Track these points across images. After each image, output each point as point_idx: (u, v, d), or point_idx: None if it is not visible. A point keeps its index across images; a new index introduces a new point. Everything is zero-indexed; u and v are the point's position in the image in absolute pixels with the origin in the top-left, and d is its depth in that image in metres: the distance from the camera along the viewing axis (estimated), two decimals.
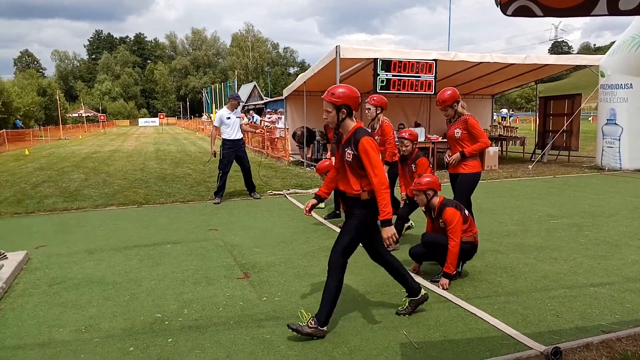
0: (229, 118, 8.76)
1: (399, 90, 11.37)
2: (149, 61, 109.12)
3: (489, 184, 10.71)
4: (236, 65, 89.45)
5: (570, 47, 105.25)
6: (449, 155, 5.35)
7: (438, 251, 4.52)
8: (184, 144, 26.70)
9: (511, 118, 36.15)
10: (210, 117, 39.47)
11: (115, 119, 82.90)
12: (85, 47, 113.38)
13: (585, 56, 14.44)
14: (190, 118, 73.98)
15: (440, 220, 4.51)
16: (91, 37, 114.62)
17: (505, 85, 17.07)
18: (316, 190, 9.61)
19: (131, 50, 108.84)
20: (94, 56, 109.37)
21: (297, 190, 9.86)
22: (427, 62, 11.45)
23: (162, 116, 57.83)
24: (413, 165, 5.59)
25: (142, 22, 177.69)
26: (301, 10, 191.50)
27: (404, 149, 5.63)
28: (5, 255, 5.21)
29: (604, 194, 9.19)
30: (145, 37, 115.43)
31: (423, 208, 4.98)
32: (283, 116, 17.84)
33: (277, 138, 17.46)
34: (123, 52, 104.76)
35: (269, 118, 21.95)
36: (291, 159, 15.33)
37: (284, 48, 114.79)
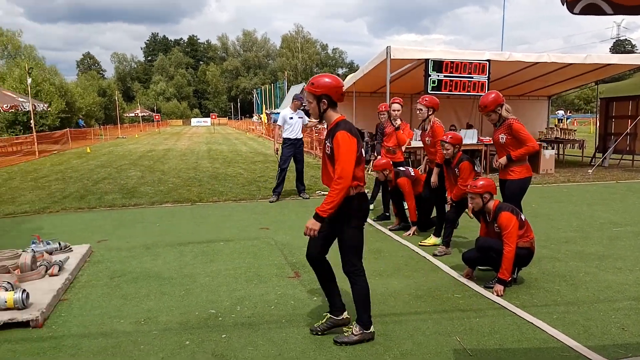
0: (291, 118, 8.97)
1: (450, 91, 11.17)
2: (201, 62, 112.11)
3: (545, 189, 10.32)
4: (286, 67, 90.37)
5: (633, 46, 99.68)
6: (496, 160, 5.19)
7: (492, 256, 4.40)
8: (235, 143, 27.26)
9: (568, 120, 34.71)
10: (261, 118, 40.13)
11: (169, 118, 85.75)
12: (142, 49, 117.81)
13: None
14: (241, 118, 75.47)
15: (495, 225, 4.39)
16: (148, 40, 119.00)
17: (563, 86, 16.41)
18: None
19: (185, 52, 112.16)
20: (149, 58, 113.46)
21: None
22: (480, 63, 11.19)
23: (214, 116, 59.39)
24: (456, 169, 5.47)
25: (196, 25, 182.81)
26: (350, 11, 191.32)
27: (444, 152, 5.52)
28: (70, 248, 5.51)
29: None
30: (198, 39, 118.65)
31: (470, 214, 4.88)
32: None
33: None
34: (177, 54, 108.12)
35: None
36: None
37: (333, 49, 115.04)
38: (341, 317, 3.62)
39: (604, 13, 2.37)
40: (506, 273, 4.26)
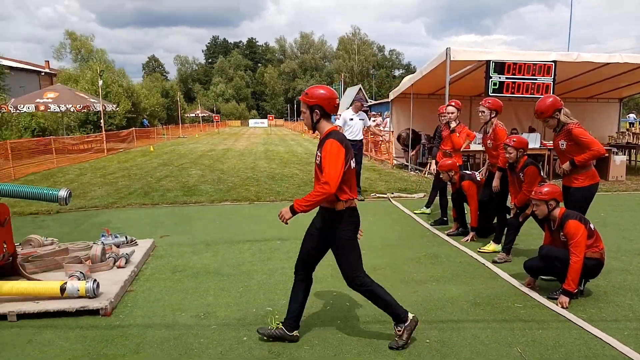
0: (351, 119, 9.04)
1: (512, 93, 10.79)
2: (259, 65, 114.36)
3: (615, 196, 9.76)
4: (342, 68, 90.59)
5: None
6: (559, 165, 4.93)
7: (557, 266, 4.21)
8: (291, 145, 27.60)
9: None
10: None
11: (228, 119, 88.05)
12: (203, 52, 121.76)
13: None
14: (297, 120, 76.31)
15: (562, 234, 4.20)
16: (208, 43, 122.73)
17: (636, 88, 15.44)
18: (420, 194, 9.51)
19: (244, 54, 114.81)
20: (210, 60, 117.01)
21: (402, 194, 9.75)
22: (545, 64, 10.73)
23: (271, 118, 60.32)
24: (521, 174, 5.26)
25: (255, 27, 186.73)
26: (408, 12, 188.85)
27: (507, 156, 5.32)
28: (136, 242, 5.78)
29: None
30: (257, 41, 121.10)
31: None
32: (388, 119, 17.75)
33: (381, 141, 17.42)
34: (236, 56, 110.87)
35: (374, 121, 21.96)
36: (395, 162, 15.21)
37: (390, 50, 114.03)
38: (291, 335, 3.55)
39: None
40: (572, 284, 4.07)
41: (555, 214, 4.30)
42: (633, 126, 26.14)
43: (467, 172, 6.59)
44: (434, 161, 7.55)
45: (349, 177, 3.33)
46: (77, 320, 3.91)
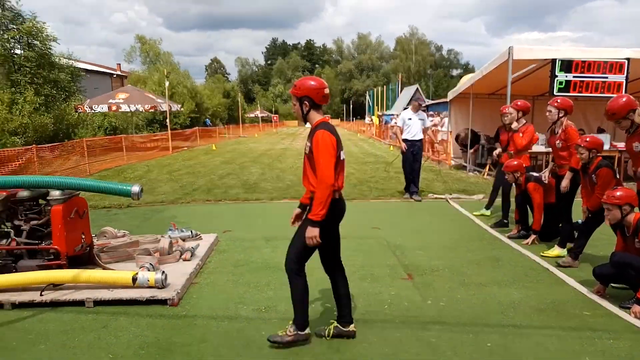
0: (410, 119, 9.01)
1: (580, 92, 10.28)
2: (317, 66, 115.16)
3: None
4: (399, 69, 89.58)
5: None
6: (632, 169, 4.64)
7: (631, 274, 4.00)
8: (346, 144, 27.64)
9: None
10: (372, 120, 40.26)
11: (285, 119, 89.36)
12: (262, 53, 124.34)
13: None
14: (353, 120, 76.27)
15: (637, 240, 3.99)
16: (268, 45, 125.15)
17: None
18: (479, 196, 9.28)
19: (302, 56, 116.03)
20: (269, 62, 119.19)
21: (460, 196, 9.55)
22: (617, 62, 10.15)
23: (327, 118, 60.53)
24: (593, 176, 5.00)
25: (313, 29, 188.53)
26: (468, 10, 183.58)
27: (579, 157, 5.08)
28: (200, 236, 6.02)
29: None
30: (315, 42, 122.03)
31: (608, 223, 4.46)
32: (446, 119, 17.42)
33: (439, 141, 17.11)
34: (294, 58, 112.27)
35: (431, 121, 21.59)
36: (453, 162, 14.91)
37: (448, 50, 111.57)
38: (348, 329, 3.56)
39: None
40: None
41: (630, 219, 4.09)
42: None
43: (534, 173, 6.36)
44: (497, 150, 7.32)
45: (338, 167, 3.28)
46: (147, 308, 4.14)
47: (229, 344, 3.53)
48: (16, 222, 4.61)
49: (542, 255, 5.55)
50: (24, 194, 4.59)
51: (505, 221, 7.02)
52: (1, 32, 19.19)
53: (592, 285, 4.45)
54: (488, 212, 7.77)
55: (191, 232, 5.98)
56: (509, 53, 10.37)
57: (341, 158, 3.34)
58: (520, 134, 6.73)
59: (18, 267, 4.50)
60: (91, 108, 21.20)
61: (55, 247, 4.47)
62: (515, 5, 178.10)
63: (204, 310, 4.11)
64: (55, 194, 4.55)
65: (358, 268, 5.15)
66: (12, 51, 19.60)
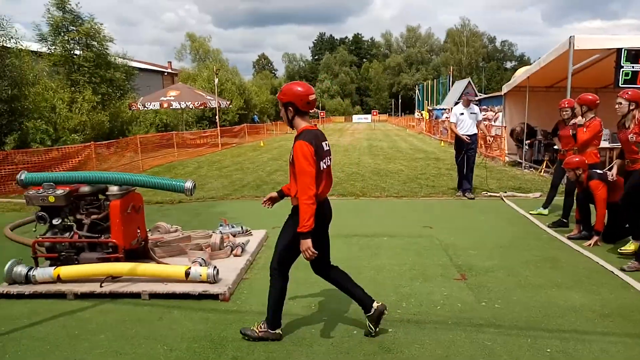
0: (462, 114, 8.80)
1: None
2: (364, 60, 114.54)
3: None
4: (449, 62, 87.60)
5: None
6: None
7: None
8: (395, 140, 27.34)
9: None
10: (422, 114, 39.62)
11: (332, 115, 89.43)
12: (309, 48, 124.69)
13: None
14: (401, 115, 75.38)
15: None
16: (315, 40, 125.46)
17: None
18: (536, 194, 8.92)
19: (349, 50, 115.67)
20: (316, 57, 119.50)
21: (516, 193, 9.21)
22: None
23: (375, 113, 60.32)
24: None
25: (360, 23, 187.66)
26: None
27: None
28: (250, 232, 6.09)
29: None
30: (362, 36, 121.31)
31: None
32: (500, 113, 16.86)
33: (493, 136, 16.59)
34: (342, 52, 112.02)
35: (484, 115, 20.97)
36: (507, 159, 14.41)
37: (502, 41, 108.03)
38: (373, 310, 3.50)
39: None
40: None
41: None
42: None
43: (598, 170, 6.01)
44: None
45: (317, 176, 3.24)
46: (199, 303, 4.23)
47: (279, 340, 3.54)
48: (78, 216, 4.81)
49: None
50: (85, 189, 4.78)
51: (564, 220, 6.71)
52: (62, 34, 20.13)
53: None
54: (546, 211, 7.45)
55: (241, 227, 6.06)
56: (569, 43, 9.89)
57: (322, 167, 3.31)
58: (585, 129, 6.38)
59: (80, 259, 4.70)
60: (144, 106, 21.92)
61: (114, 240, 4.64)
62: None
63: (255, 306, 4.14)
64: (113, 189, 4.72)
65: (409, 267, 5.06)
66: (72, 52, 20.53)
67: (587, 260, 5.26)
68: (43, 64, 18.86)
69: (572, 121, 6.56)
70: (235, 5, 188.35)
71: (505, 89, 14.83)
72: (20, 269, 4.50)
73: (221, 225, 6.01)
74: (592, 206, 5.98)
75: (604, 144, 10.86)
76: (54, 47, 20.15)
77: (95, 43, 20.83)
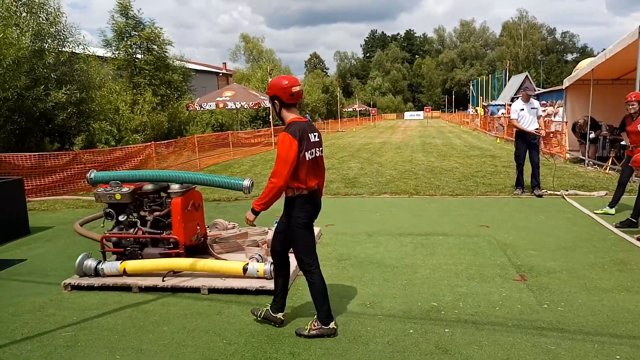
0: (522, 109, 8.55)
1: None
2: (417, 56, 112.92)
3: None
4: (505, 56, 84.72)
5: None
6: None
7: None
8: (448, 137, 26.78)
9: None
10: (476, 110, 38.55)
11: (383, 112, 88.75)
12: (361, 46, 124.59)
13: None
14: (455, 111, 73.70)
15: None
16: (367, 37, 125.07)
17: None
18: (601, 193, 8.48)
19: (401, 47, 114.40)
20: (368, 54, 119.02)
21: (578, 192, 8.80)
22: None
23: (428, 110, 59.29)
24: None
25: (412, 19, 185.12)
26: None
27: None
28: None
29: None
30: (415, 33, 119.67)
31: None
32: (561, 108, 16.15)
33: (553, 132, 15.91)
34: (394, 49, 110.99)
35: (544, 110, 20.14)
36: (568, 155, 13.78)
37: (562, 33, 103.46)
38: (276, 315, 3.72)
39: None
40: None
41: None
42: None
43: None
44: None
45: (303, 167, 3.36)
46: (256, 298, 4.32)
47: (334, 337, 3.56)
48: (141, 213, 5.04)
49: None
50: (148, 187, 5.00)
51: (634, 220, 6.35)
52: (125, 39, 21.09)
53: None
54: (612, 211, 7.08)
55: None
56: (639, 32, 9.34)
57: (308, 157, 3.39)
58: None
59: (143, 254, 4.92)
60: (200, 106, 22.57)
61: (175, 236, 4.82)
62: None
63: (310, 303, 4.17)
64: (174, 187, 4.91)
65: (465, 267, 4.95)
66: (134, 56, 21.47)
67: None
68: (108, 68, 19.82)
69: None
70: (288, 5, 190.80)
71: (566, 82, 14.19)
72: (90, 263, 4.77)
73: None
74: None
75: None
76: (117, 51, 21.18)
77: (155, 47, 21.69)
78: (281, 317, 3.75)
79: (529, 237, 6.01)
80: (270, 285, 4.36)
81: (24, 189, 7.53)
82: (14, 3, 12.41)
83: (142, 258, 4.89)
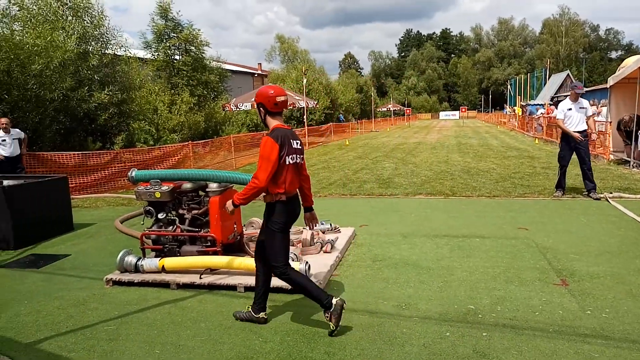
0: (570, 109, 8.26)
1: None
2: (452, 55, 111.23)
3: None
4: (545, 54, 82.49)
5: None
6: None
7: None
8: (485, 137, 26.26)
9: None
10: (514, 110, 37.66)
11: (418, 112, 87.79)
12: (396, 46, 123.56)
13: None
14: (491, 111, 72.22)
15: None
16: (402, 37, 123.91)
17: None
18: None
19: (437, 46, 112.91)
20: (403, 54, 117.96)
21: (623, 194, 8.48)
22: None
23: (463, 109, 58.32)
24: None
25: (449, 17, 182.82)
26: None
27: None
28: (339, 230, 6.16)
29: None
30: (451, 31, 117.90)
31: None
32: (604, 108, 15.60)
33: (596, 132, 15.37)
34: (429, 48, 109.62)
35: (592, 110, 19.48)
36: (612, 157, 13.29)
37: (606, 29, 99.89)
38: (258, 316, 3.80)
39: None
40: None
41: None
42: None
43: None
44: None
45: (284, 172, 3.52)
46: (291, 297, 4.35)
47: (370, 338, 3.55)
48: (180, 211, 5.15)
49: None
50: (187, 185, 5.10)
51: None
52: (164, 41, 21.61)
53: None
54: None
55: (330, 225, 6.14)
56: None
57: (288, 162, 3.54)
58: None
59: (181, 252, 5.03)
60: (236, 106, 22.90)
61: (212, 235, 4.91)
62: None
63: (346, 303, 4.17)
64: (212, 186, 5.00)
65: (503, 270, 4.84)
66: (172, 57, 21.97)
67: None
68: (147, 69, 20.35)
69: None
70: (322, 5, 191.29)
71: (611, 81, 13.70)
72: (131, 259, 4.90)
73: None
74: None
75: None
76: (156, 53, 21.73)
77: (193, 48, 22.15)
78: (264, 316, 3.85)
79: (571, 241, 5.83)
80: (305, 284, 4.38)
81: (68, 186, 7.81)
82: (61, 7, 12.90)
83: (180, 255, 5.00)
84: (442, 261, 5.18)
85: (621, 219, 6.89)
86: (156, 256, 5.08)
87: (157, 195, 5.01)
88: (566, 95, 8.85)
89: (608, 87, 14.06)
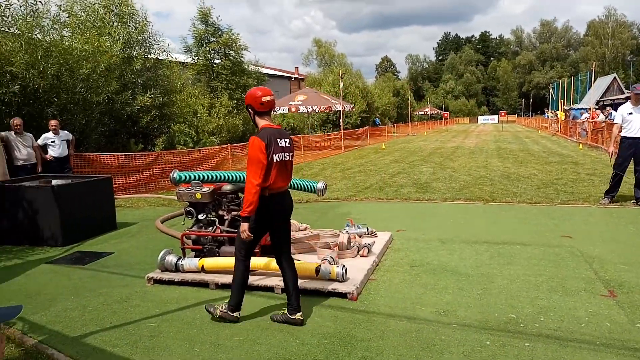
0: (630, 114, 7.92)
1: None
2: (492, 59, 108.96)
3: None
4: (590, 56, 79.69)
5: None
6: None
7: None
8: (525, 142, 25.60)
9: None
10: (556, 115, 36.54)
11: (456, 116, 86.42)
12: (434, 49, 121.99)
13: None
14: (532, 115, 70.34)
15: None
16: (440, 40, 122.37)
17: None
18: None
19: (475, 49, 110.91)
20: (440, 57, 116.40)
21: None
22: None
23: (503, 114, 57.10)
24: None
25: (488, 20, 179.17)
26: None
27: None
28: (375, 234, 6.13)
29: None
30: (490, 34, 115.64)
31: None
32: None
33: None
34: (468, 52, 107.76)
35: (629, 114, 18.69)
36: None
37: None
38: (294, 317, 3.84)
39: None
40: None
41: None
42: None
43: None
44: None
45: (270, 167, 3.62)
46: (327, 300, 4.35)
47: (407, 344, 3.51)
48: (220, 212, 5.24)
49: None
50: (227, 187, 5.19)
51: None
52: (204, 45, 22.07)
53: None
54: None
55: (367, 228, 6.12)
56: None
57: (275, 159, 3.65)
58: None
59: (220, 252, 5.11)
60: (274, 110, 23.15)
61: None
62: None
63: (382, 308, 4.15)
64: None
65: (546, 279, 4.70)
66: (212, 61, 22.41)
67: None
68: (188, 73, 20.82)
69: None
70: (359, 9, 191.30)
71: None
72: (171, 258, 5.01)
73: (347, 226, 6.12)
74: None
75: None
76: (197, 57, 22.21)
77: (232, 52, 22.53)
78: (300, 317, 3.87)
79: (619, 250, 5.60)
80: (342, 288, 4.39)
81: (112, 186, 8.07)
82: (108, 14, 13.38)
83: (219, 256, 5.08)
84: (481, 268, 5.07)
85: None
86: (196, 256, 5.19)
87: (198, 196, 5.11)
88: (614, 99, 8.49)
89: None
